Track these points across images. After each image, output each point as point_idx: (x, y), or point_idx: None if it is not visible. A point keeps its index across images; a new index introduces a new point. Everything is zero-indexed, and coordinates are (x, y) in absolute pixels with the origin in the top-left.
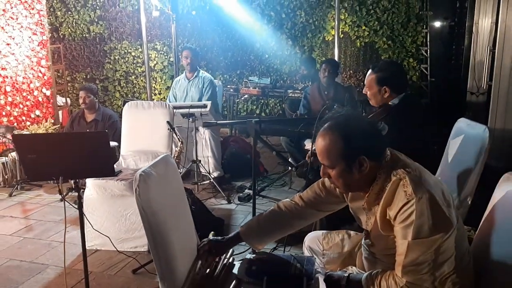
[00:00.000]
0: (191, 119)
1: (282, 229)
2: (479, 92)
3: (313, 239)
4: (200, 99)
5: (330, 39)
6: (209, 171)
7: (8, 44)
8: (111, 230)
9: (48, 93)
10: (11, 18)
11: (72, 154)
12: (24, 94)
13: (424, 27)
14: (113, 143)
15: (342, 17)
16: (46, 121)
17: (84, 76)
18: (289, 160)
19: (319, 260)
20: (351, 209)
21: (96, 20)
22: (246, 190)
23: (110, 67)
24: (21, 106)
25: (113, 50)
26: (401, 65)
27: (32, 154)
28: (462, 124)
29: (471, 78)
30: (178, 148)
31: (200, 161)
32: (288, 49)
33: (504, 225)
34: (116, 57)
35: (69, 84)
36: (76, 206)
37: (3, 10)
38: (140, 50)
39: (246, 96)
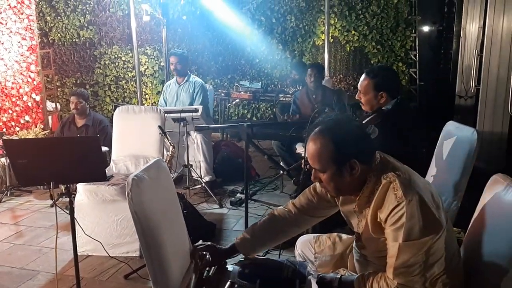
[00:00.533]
0: (182, 124)
1: (277, 238)
2: (468, 96)
3: (304, 243)
4: (191, 104)
5: (320, 43)
6: (201, 176)
7: None
8: (102, 235)
9: (37, 98)
10: (0, 23)
11: (63, 159)
12: (14, 99)
13: (413, 32)
14: (104, 148)
15: (332, 21)
16: (36, 127)
17: (74, 81)
18: (281, 164)
19: (311, 263)
20: (342, 212)
21: (86, 25)
22: (238, 194)
23: (100, 72)
24: (10, 111)
25: (103, 55)
26: (394, 70)
27: (23, 159)
28: (451, 127)
29: (459, 82)
30: (170, 153)
31: (191, 165)
32: (278, 53)
33: (492, 226)
34: (106, 62)
35: (59, 89)
36: (67, 212)
37: None
38: (130, 55)
39: (237, 100)
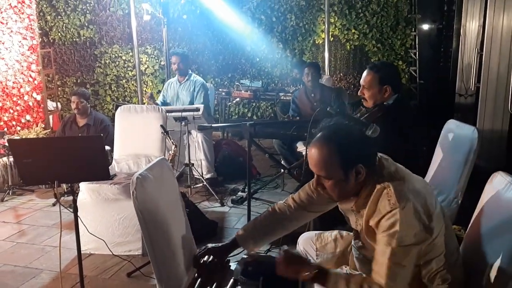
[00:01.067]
0: (183, 123)
1: (277, 232)
2: (468, 94)
3: (306, 240)
4: (191, 103)
5: (320, 42)
6: (202, 174)
7: None
8: (105, 234)
9: (38, 97)
10: (1, 22)
11: (68, 158)
12: (15, 99)
13: (413, 30)
14: (105, 147)
15: (332, 20)
16: (37, 126)
17: (75, 81)
18: (282, 162)
19: (313, 260)
20: (341, 209)
21: (86, 24)
22: (239, 193)
23: (101, 71)
24: (11, 111)
25: (103, 54)
26: (395, 65)
27: (28, 159)
28: (452, 125)
29: (459, 80)
30: (172, 152)
31: (193, 164)
32: (279, 52)
33: (493, 224)
34: (107, 61)
35: (59, 88)
36: (71, 210)
37: None
38: (130, 54)
39: (237, 99)
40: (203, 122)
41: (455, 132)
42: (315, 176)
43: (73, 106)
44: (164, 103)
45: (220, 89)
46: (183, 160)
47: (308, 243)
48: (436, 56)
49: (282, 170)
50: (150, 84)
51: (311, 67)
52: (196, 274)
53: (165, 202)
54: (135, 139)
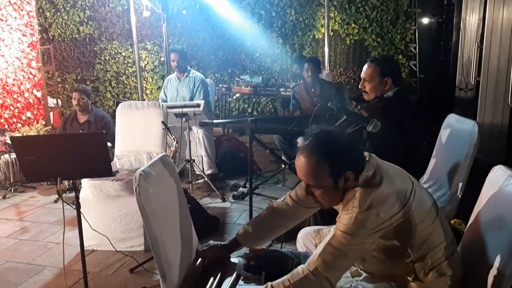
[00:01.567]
0: (184, 119)
1: (278, 229)
2: (468, 88)
3: (305, 235)
4: (191, 99)
5: (320, 37)
6: (203, 170)
7: None
8: (107, 230)
9: (39, 94)
10: (0, 19)
11: (70, 155)
12: (15, 96)
13: (413, 24)
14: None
15: (332, 15)
16: (37, 123)
17: (75, 77)
18: (283, 158)
19: None
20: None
21: (85, 20)
22: (240, 188)
23: (101, 67)
24: (12, 108)
25: (103, 50)
26: (396, 59)
27: (31, 156)
28: (452, 119)
29: (459, 74)
30: (174, 148)
31: (194, 160)
32: (278, 47)
33: (493, 217)
34: (107, 58)
35: (59, 85)
36: (73, 206)
37: None
38: (130, 50)
39: (238, 95)
40: (203, 118)
41: (455, 126)
42: (304, 185)
43: (75, 102)
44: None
45: (220, 85)
46: (184, 156)
47: (307, 239)
48: (436, 50)
49: (283, 166)
50: (150, 80)
51: (311, 62)
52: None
53: (167, 198)
54: (136, 135)
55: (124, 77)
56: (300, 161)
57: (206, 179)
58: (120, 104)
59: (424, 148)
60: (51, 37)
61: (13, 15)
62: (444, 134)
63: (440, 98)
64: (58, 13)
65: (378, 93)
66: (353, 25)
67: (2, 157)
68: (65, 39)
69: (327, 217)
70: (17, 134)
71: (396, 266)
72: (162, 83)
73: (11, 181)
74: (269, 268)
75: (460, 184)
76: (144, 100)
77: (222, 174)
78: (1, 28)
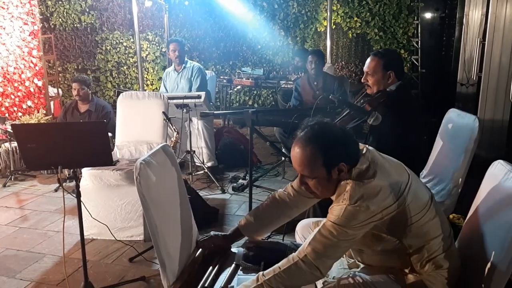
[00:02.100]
0: (185, 110)
1: (279, 220)
2: (469, 83)
3: (304, 227)
4: (190, 90)
5: (322, 30)
6: (203, 161)
7: None
8: (107, 219)
9: (39, 83)
10: (2, 8)
11: (71, 144)
12: (16, 84)
13: (415, 19)
14: None
15: (334, 8)
16: (38, 112)
17: (76, 67)
18: (283, 150)
19: None
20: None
21: (87, 9)
22: (240, 180)
23: (102, 57)
24: (13, 96)
25: (104, 40)
26: (399, 53)
27: (32, 144)
28: (453, 114)
29: (461, 70)
30: (174, 138)
31: (194, 151)
32: (280, 40)
33: (492, 211)
34: (108, 48)
35: (60, 74)
36: (74, 195)
37: None
38: (132, 40)
39: (239, 87)
40: (204, 109)
41: (456, 121)
42: (299, 175)
43: (74, 93)
44: None
45: (221, 77)
46: (184, 148)
47: (306, 230)
48: (438, 45)
49: (283, 158)
50: (151, 71)
51: (315, 54)
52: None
53: (168, 187)
54: (137, 125)
55: (125, 67)
56: (295, 151)
57: (206, 170)
58: (121, 94)
59: (424, 142)
60: (52, 26)
61: (15, 3)
62: (444, 128)
63: (441, 93)
64: (60, 2)
65: (381, 87)
66: (355, 18)
67: (2, 145)
68: (67, 28)
69: (327, 209)
70: (17, 123)
71: (393, 258)
72: (163, 74)
73: (12, 169)
74: (268, 259)
75: (460, 178)
76: (145, 90)
77: (222, 166)
78: (2, 16)
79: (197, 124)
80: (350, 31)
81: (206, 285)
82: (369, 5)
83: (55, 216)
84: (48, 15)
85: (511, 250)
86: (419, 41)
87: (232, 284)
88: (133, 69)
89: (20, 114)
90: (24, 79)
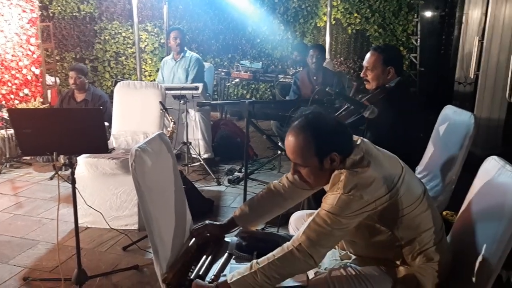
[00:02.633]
0: (182, 101)
1: (274, 210)
2: (467, 82)
3: (298, 219)
4: (187, 79)
5: (322, 25)
6: (199, 153)
7: None
8: (102, 208)
9: (37, 71)
10: None
11: (67, 130)
12: (13, 72)
13: (415, 16)
14: None
15: (335, 3)
16: (35, 100)
17: (74, 56)
18: (279, 144)
19: None
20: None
21: None
22: (236, 173)
23: (100, 47)
24: (10, 84)
25: (103, 30)
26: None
27: (27, 129)
28: (449, 111)
29: (459, 68)
30: (171, 128)
31: (190, 143)
32: (280, 34)
33: (483, 207)
34: (106, 37)
35: (58, 63)
36: (69, 182)
37: None
38: (130, 31)
39: (237, 80)
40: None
41: (452, 118)
42: (292, 164)
43: (71, 81)
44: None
45: (219, 69)
46: (181, 139)
47: (300, 222)
48: (437, 43)
49: (279, 152)
50: (150, 62)
51: (317, 49)
52: (191, 243)
53: (163, 175)
54: (134, 115)
55: (123, 57)
56: (288, 140)
57: (202, 162)
58: (119, 83)
59: (421, 139)
60: (51, 15)
61: None
62: (440, 125)
63: (439, 92)
64: None
65: (380, 83)
66: (355, 14)
67: None
68: (65, 17)
69: (321, 202)
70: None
71: (385, 250)
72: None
73: (7, 156)
74: (261, 249)
75: (454, 175)
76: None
77: (218, 158)
78: (1, 3)
79: (194, 116)
80: (349, 27)
81: (200, 273)
82: (369, 2)
83: (49, 204)
84: (47, 3)
85: (501, 244)
86: (418, 39)
87: (224, 273)
88: (131, 59)
89: (17, 102)
90: (21, 66)
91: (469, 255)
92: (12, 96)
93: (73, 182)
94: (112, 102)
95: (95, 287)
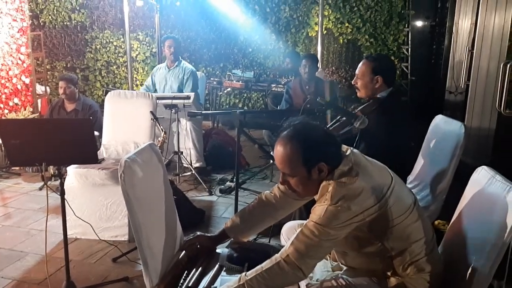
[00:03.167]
0: (173, 110)
1: (265, 221)
2: (457, 91)
3: (290, 229)
4: (179, 89)
5: (313, 35)
6: (191, 163)
7: None
8: (92, 219)
9: (27, 81)
10: None
11: (56, 140)
12: (3, 81)
13: (406, 26)
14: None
15: (326, 13)
16: (25, 109)
17: (65, 65)
18: (271, 153)
19: None
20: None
21: (77, 8)
22: (228, 183)
23: (91, 56)
24: None
25: (94, 39)
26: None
27: (16, 140)
28: (439, 120)
29: (450, 78)
30: (161, 138)
31: (181, 152)
32: (271, 43)
33: (474, 217)
34: (98, 47)
35: (48, 72)
36: (58, 193)
37: None
38: (122, 40)
39: (229, 89)
40: (193, 110)
41: (443, 128)
42: (281, 173)
43: (61, 91)
44: (148, 90)
45: (211, 79)
46: (172, 148)
47: (291, 232)
48: (428, 53)
49: (271, 161)
50: (141, 71)
51: (310, 59)
52: (181, 255)
53: (153, 186)
54: (124, 125)
55: (114, 66)
56: (276, 149)
57: (193, 171)
58: (109, 92)
59: (411, 149)
60: (41, 24)
61: None
62: (431, 135)
63: (430, 101)
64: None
65: (369, 91)
66: (346, 24)
67: None
68: (56, 26)
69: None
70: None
71: (376, 261)
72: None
73: None
74: (252, 260)
75: (445, 185)
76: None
77: (210, 167)
78: None
79: (185, 125)
80: (341, 37)
81: (189, 285)
82: (360, 12)
83: (38, 215)
84: (38, 12)
85: (492, 254)
86: (409, 49)
87: (215, 285)
88: (123, 68)
89: (6, 111)
90: (11, 76)
91: (461, 265)
92: (1, 106)
93: (62, 193)
94: (103, 112)
95: None
